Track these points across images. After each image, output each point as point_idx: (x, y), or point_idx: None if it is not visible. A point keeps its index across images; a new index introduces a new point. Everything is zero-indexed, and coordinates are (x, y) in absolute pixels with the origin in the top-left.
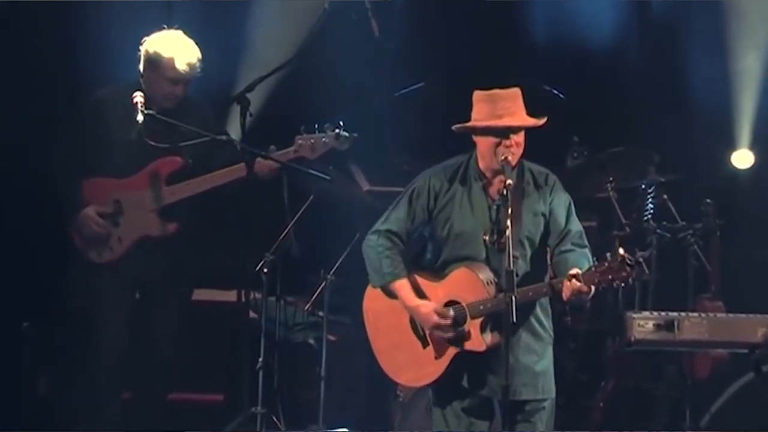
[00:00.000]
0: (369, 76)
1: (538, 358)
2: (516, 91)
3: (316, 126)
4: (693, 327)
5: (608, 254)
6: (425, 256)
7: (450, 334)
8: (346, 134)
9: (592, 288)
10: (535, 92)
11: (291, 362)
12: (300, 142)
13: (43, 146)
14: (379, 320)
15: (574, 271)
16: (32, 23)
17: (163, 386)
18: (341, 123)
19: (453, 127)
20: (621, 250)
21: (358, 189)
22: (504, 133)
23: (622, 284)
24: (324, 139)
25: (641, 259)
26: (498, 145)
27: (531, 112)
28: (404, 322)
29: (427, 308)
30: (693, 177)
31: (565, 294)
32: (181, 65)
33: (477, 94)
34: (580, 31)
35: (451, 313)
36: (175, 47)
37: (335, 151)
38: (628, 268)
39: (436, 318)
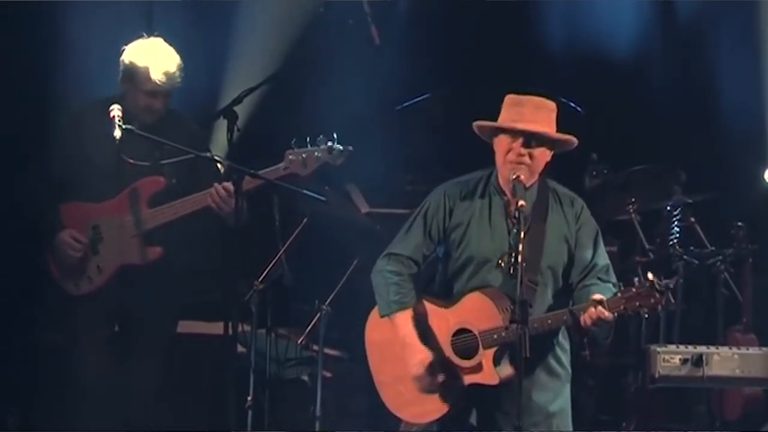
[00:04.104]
0: (368, 88)
1: (553, 396)
2: (550, 103)
3: (308, 139)
4: (723, 362)
5: (636, 279)
6: (437, 280)
7: (431, 386)
8: (340, 147)
9: (615, 315)
10: None
11: (283, 401)
12: (290, 157)
13: (14, 167)
14: (382, 351)
15: (597, 296)
16: None
17: (144, 425)
18: (335, 135)
19: (474, 124)
20: (650, 275)
21: (356, 211)
22: (516, 136)
23: (647, 313)
24: (316, 153)
25: (671, 285)
26: (509, 151)
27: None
28: None
29: (416, 358)
30: (723, 198)
31: (585, 320)
32: (157, 75)
33: (507, 98)
34: (598, 36)
35: (440, 379)
36: (151, 56)
37: (329, 167)
38: (657, 295)
39: (422, 371)
